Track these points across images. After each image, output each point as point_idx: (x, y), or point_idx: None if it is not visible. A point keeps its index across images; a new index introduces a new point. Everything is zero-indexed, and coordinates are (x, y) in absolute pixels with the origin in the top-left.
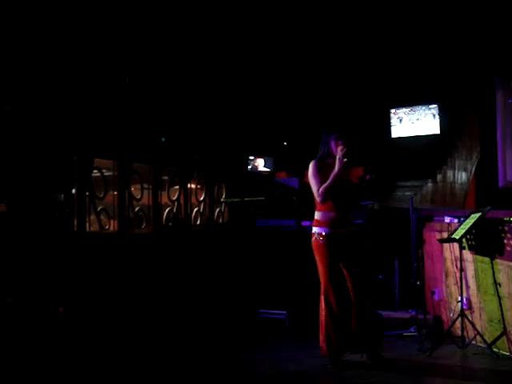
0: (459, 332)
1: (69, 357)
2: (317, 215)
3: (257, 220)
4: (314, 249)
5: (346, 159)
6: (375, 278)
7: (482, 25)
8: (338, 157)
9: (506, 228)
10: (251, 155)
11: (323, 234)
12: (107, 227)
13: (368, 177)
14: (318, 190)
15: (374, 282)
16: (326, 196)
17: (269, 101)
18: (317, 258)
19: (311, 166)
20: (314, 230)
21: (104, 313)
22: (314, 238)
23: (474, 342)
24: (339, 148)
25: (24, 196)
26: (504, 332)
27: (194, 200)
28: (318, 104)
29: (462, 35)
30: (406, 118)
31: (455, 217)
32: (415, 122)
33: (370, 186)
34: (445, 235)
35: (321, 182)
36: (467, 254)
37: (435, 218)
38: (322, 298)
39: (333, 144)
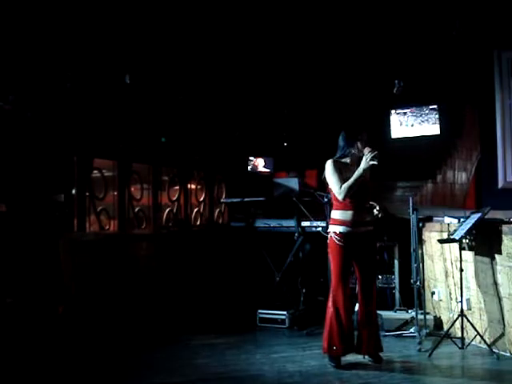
0: (459, 332)
1: (68, 356)
2: (334, 214)
3: (257, 220)
4: (330, 247)
5: (375, 162)
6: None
7: (481, 25)
8: (365, 157)
9: (506, 228)
10: (251, 155)
11: (340, 232)
12: (107, 227)
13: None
14: (340, 188)
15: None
16: (347, 194)
17: (269, 101)
18: (331, 256)
19: (329, 164)
20: (331, 228)
21: (104, 312)
22: (330, 237)
23: (473, 343)
24: (366, 149)
25: (24, 196)
26: (504, 332)
27: (194, 200)
28: (319, 104)
29: (461, 35)
30: (405, 119)
31: (455, 217)
32: (415, 123)
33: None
34: (445, 235)
35: (340, 180)
36: (467, 255)
37: (435, 219)
38: (331, 296)
39: (359, 144)
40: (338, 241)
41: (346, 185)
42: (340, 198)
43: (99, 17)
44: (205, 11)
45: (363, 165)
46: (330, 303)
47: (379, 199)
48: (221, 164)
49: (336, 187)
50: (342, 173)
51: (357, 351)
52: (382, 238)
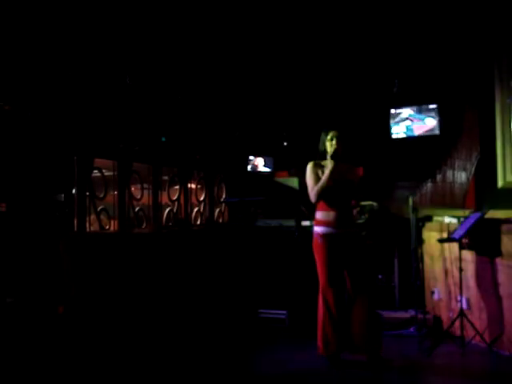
0: (459, 332)
1: (68, 356)
2: (316, 215)
3: (257, 220)
4: (314, 248)
5: (332, 160)
6: (375, 277)
7: (481, 25)
8: (328, 157)
9: (506, 228)
10: (251, 155)
11: (321, 233)
12: (107, 227)
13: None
14: (312, 191)
15: (373, 282)
16: (317, 196)
17: (269, 100)
18: (316, 256)
19: (308, 167)
20: (314, 229)
21: (104, 313)
22: (313, 237)
23: (473, 342)
24: (331, 148)
25: (24, 196)
26: (503, 332)
27: (194, 200)
28: (319, 104)
29: (461, 35)
30: (405, 118)
31: (455, 217)
32: (415, 122)
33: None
34: (444, 235)
35: (315, 182)
36: (467, 254)
37: (435, 218)
38: (320, 297)
39: (327, 144)
40: (320, 241)
41: (315, 188)
42: (312, 200)
43: (99, 17)
44: (204, 11)
45: (329, 165)
46: (320, 304)
47: (378, 199)
48: (221, 164)
49: (309, 190)
50: (322, 175)
51: (354, 351)
52: (381, 238)
